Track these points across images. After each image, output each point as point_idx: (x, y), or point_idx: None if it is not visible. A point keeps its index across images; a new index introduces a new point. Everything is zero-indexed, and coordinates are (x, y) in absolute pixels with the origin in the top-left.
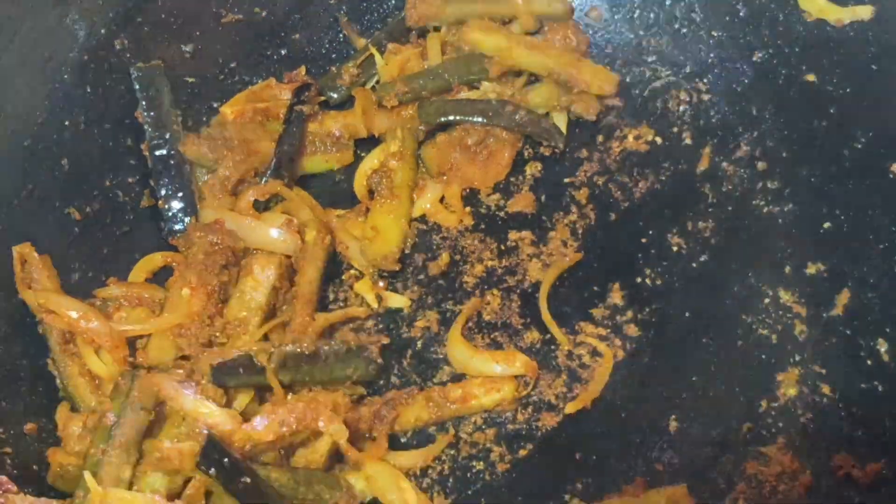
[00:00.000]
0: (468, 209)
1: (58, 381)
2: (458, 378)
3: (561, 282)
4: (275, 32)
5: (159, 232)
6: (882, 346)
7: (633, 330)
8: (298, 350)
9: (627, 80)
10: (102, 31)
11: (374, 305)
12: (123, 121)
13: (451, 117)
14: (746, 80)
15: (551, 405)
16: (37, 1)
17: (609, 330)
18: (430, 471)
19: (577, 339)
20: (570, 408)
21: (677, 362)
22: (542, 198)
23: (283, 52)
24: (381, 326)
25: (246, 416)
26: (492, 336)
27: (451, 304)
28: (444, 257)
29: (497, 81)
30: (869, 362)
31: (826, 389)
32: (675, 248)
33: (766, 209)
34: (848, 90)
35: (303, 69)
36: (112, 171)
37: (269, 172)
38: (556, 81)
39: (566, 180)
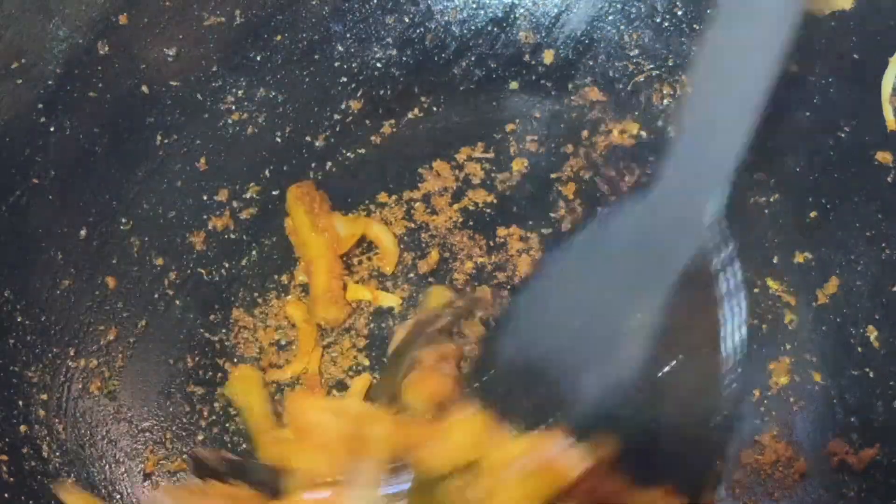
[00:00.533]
0: (455, 207)
1: None
2: None
3: None
4: (257, 34)
5: None
6: (872, 333)
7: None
8: None
9: (611, 74)
10: (86, 36)
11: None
12: (109, 125)
13: None
14: None
15: None
16: (19, 7)
17: None
18: None
19: None
20: None
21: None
22: (530, 193)
23: (265, 53)
24: (372, 325)
25: None
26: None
27: None
28: (434, 255)
29: None
30: (859, 349)
31: (817, 377)
32: None
33: (751, 199)
34: (831, 80)
35: None
36: (100, 177)
37: None
38: None
39: (553, 176)
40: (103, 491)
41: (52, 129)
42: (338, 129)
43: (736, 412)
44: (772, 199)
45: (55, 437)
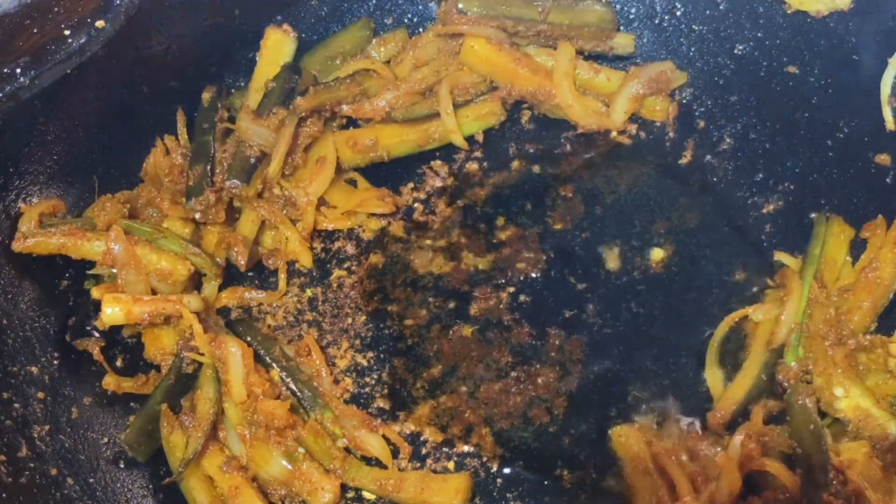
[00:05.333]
0: (453, 206)
1: None
2: (448, 375)
3: (553, 274)
4: (256, 33)
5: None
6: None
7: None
8: None
9: None
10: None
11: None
12: (109, 125)
13: None
14: (728, 73)
15: (543, 399)
16: (19, 7)
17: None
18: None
19: (567, 334)
20: None
21: (669, 353)
22: (529, 193)
23: None
24: (370, 325)
25: None
26: (483, 333)
27: (441, 301)
28: (432, 255)
29: None
30: None
31: None
32: (661, 241)
33: (750, 200)
34: (829, 80)
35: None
36: (99, 176)
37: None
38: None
39: (550, 171)
40: (99, 493)
41: (51, 128)
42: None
43: None
44: (770, 200)
45: (54, 439)
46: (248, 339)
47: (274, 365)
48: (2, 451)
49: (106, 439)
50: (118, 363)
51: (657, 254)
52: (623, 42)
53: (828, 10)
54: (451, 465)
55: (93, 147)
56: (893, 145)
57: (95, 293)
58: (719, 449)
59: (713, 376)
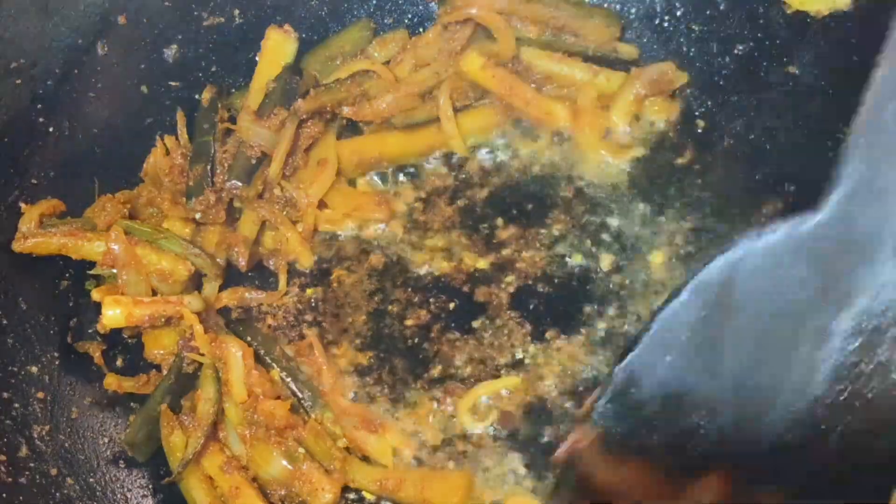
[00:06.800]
0: (459, 204)
1: None
2: (448, 376)
3: (553, 274)
4: (257, 35)
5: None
6: None
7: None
8: None
9: None
10: (86, 36)
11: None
12: (109, 125)
13: None
14: (728, 73)
15: (543, 399)
16: (17, 8)
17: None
18: None
19: (567, 334)
20: None
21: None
22: (529, 193)
23: None
24: (370, 325)
25: None
26: (483, 333)
27: (441, 301)
28: (432, 255)
29: None
30: None
31: None
32: (661, 241)
33: (750, 200)
34: (829, 81)
35: None
36: (99, 176)
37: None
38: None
39: (550, 171)
40: (99, 493)
41: (51, 129)
42: None
43: None
44: (771, 199)
45: (54, 439)
46: (249, 339)
47: (274, 365)
48: (2, 451)
49: (106, 439)
50: (118, 363)
51: (657, 254)
52: (627, 49)
53: (828, 10)
54: (451, 464)
55: (93, 147)
56: None
57: (96, 295)
58: None
59: None
